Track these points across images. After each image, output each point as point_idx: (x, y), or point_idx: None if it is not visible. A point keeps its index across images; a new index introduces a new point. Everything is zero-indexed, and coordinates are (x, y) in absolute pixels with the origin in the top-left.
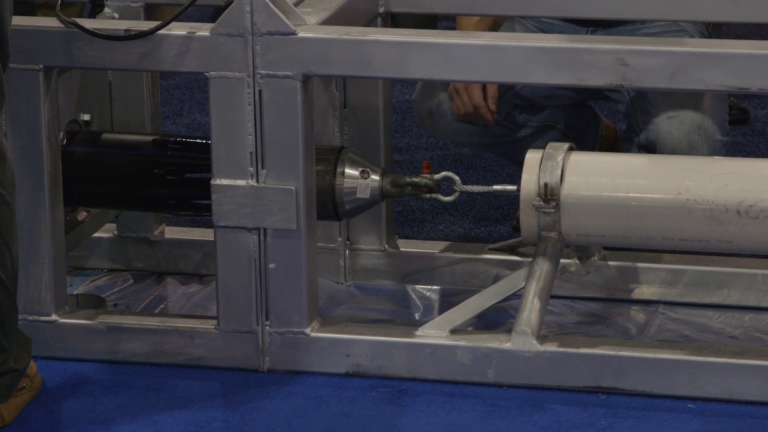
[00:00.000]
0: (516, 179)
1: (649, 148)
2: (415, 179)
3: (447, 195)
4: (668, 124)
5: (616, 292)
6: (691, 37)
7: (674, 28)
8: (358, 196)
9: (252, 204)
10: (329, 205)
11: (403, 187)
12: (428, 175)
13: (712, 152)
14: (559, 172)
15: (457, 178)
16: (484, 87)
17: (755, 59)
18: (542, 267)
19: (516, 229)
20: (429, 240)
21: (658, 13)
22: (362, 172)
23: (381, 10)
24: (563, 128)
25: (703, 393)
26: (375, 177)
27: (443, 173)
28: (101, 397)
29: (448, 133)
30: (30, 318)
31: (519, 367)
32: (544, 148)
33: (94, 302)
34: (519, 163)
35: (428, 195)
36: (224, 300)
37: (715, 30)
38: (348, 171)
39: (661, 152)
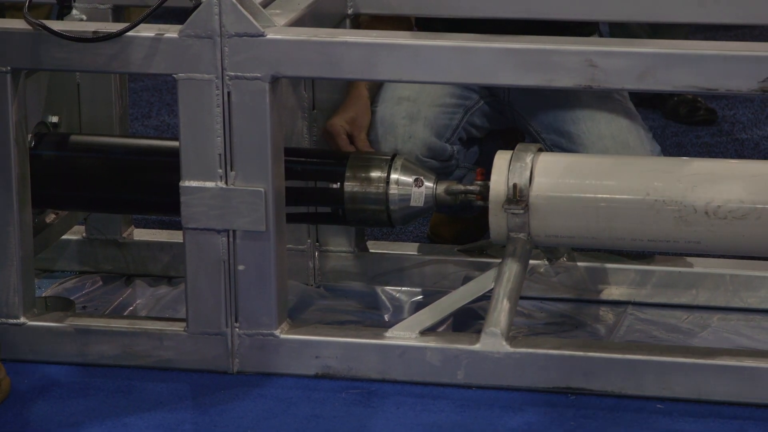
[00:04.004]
0: None
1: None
2: (469, 187)
3: None
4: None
5: (585, 293)
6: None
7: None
8: (412, 204)
9: (221, 206)
10: (383, 213)
11: (458, 195)
12: (482, 182)
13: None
14: (528, 173)
15: None
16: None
17: (723, 60)
18: (511, 268)
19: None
20: (398, 241)
21: (625, 14)
22: (416, 180)
23: (350, 11)
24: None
25: (672, 393)
26: (429, 184)
27: None
28: (70, 400)
29: None
30: None
31: (488, 368)
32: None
33: (62, 304)
34: None
35: (482, 202)
36: (193, 302)
37: (681, 31)
38: (402, 178)
39: None
